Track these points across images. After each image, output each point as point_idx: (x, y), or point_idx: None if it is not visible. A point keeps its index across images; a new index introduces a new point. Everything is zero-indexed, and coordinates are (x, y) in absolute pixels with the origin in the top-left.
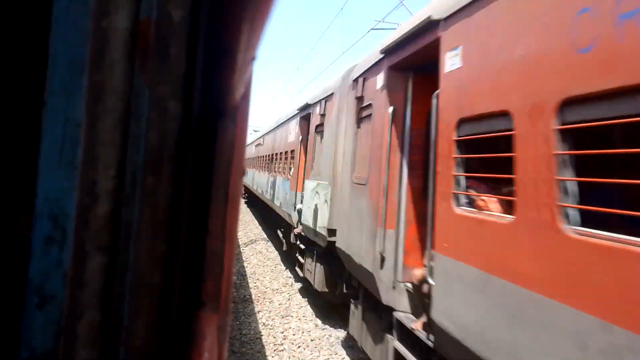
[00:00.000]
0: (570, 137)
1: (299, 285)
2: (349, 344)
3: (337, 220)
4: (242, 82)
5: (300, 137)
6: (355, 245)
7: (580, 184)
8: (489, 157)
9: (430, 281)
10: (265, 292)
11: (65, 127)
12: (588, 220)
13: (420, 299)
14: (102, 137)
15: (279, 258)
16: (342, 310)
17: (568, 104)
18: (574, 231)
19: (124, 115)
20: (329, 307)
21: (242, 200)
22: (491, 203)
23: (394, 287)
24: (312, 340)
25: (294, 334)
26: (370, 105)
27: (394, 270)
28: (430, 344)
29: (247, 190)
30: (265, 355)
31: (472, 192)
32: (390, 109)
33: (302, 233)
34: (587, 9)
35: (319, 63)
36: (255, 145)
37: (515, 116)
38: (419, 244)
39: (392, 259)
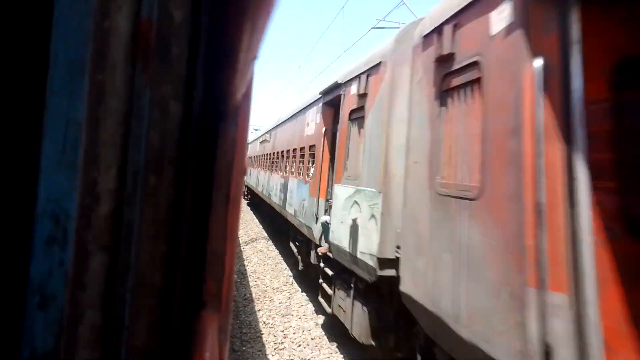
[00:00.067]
0: None
1: (299, 284)
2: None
3: (403, 250)
4: (243, 82)
5: (324, 129)
6: (456, 303)
7: None
8: None
9: None
10: (265, 290)
11: (67, 127)
12: None
13: None
14: (104, 137)
15: (279, 257)
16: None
17: None
18: None
19: (125, 116)
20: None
21: (245, 202)
22: None
23: None
24: (312, 339)
25: (294, 333)
26: (474, 64)
27: None
28: None
29: (250, 192)
30: (266, 354)
31: None
32: (538, 62)
33: (330, 255)
34: None
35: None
36: (260, 142)
37: None
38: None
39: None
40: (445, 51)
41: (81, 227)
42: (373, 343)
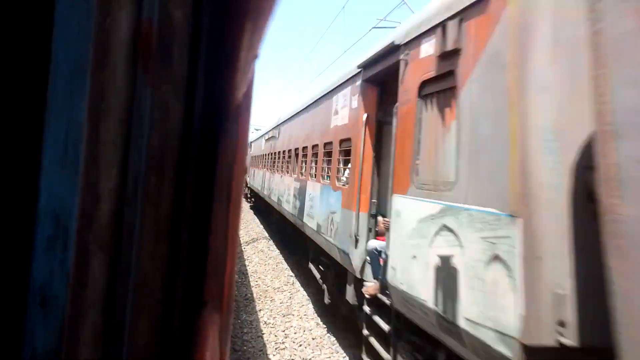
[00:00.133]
0: None
1: (300, 283)
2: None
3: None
4: (244, 82)
5: (364, 116)
6: None
7: None
8: None
9: None
10: (266, 290)
11: (68, 127)
12: None
13: None
14: (105, 137)
15: (280, 257)
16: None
17: None
18: None
19: (126, 116)
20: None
21: (247, 205)
22: None
23: None
24: (313, 338)
25: (295, 333)
26: None
27: None
28: None
29: (254, 195)
30: (267, 354)
31: None
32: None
33: (393, 304)
34: None
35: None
36: (266, 140)
37: None
38: None
39: None
40: None
41: (82, 227)
42: None
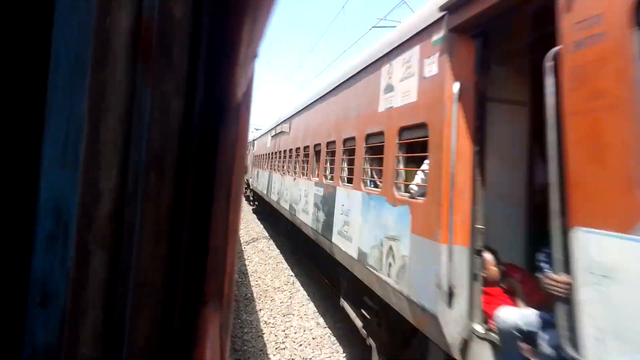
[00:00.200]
0: None
1: (300, 283)
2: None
3: None
4: (244, 80)
5: (457, 87)
6: None
7: None
8: None
9: None
10: (266, 290)
11: (68, 125)
12: None
13: None
14: (105, 135)
15: (280, 256)
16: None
17: None
18: None
19: (126, 114)
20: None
21: (249, 208)
22: None
23: None
24: (313, 338)
25: (295, 332)
26: None
27: None
28: None
29: (259, 198)
30: (267, 354)
31: None
32: None
33: None
34: None
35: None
36: (273, 136)
37: None
38: None
39: None
40: None
41: (82, 226)
42: None
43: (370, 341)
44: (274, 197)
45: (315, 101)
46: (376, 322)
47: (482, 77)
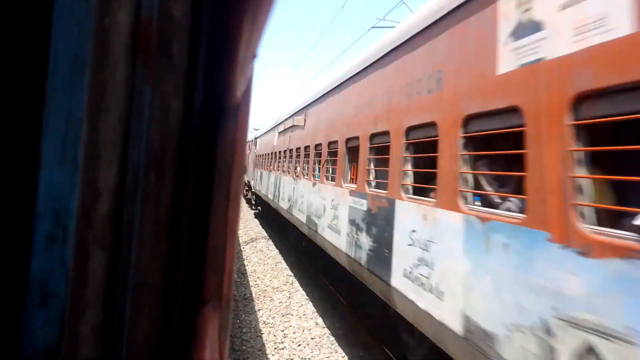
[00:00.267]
0: None
1: (299, 283)
2: (350, 341)
3: None
4: (243, 80)
5: None
6: None
7: None
8: None
9: None
10: (265, 290)
11: (67, 125)
12: None
13: None
14: (104, 135)
15: (279, 256)
16: (342, 307)
17: None
18: None
19: (126, 113)
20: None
21: (252, 212)
22: None
23: None
24: (312, 338)
25: (294, 332)
26: None
27: None
28: None
29: (262, 202)
30: (266, 354)
31: None
32: None
33: None
34: None
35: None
36: (281, 132)
37: None
38: None
39: None
40: None
41: (82, 225)
42: None
43: None
44: (283, 205)
45: (347, 80)
46: None
47: None
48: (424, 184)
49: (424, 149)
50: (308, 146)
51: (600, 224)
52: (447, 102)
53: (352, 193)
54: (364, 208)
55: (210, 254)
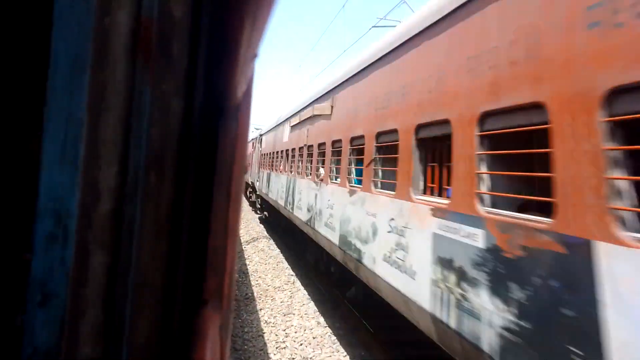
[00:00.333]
0: None
1: (301, 282)
2: (351, 341)
3: None
4: (244, 80)
5: None
6: None
7: None
8: None
9: None
10: (267, 290)
11: (67, 125)
12: None
13: None
14: (105, 135)
15: (280, 256)
16: (344, 307)
17: None
18: None
19: (126, 113)
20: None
21: (257, 216)
22: None
23: None
24: (314, 337)
25: (295, 332)
26: None
27: None
28: None
29: (270, 207)
30: (267, 353)
31: None
32: None
33: None
34: None
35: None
36: (294, 126)
37: None
38: None
39: None
40: None
41: (82, 225)
42: None
43: None
44: (300, 215)
45: (417, 37)
46: None
47: None
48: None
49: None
50: (338, 140)
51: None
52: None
53: (439, 213)
54: (479, 245)
55: (210, 254)
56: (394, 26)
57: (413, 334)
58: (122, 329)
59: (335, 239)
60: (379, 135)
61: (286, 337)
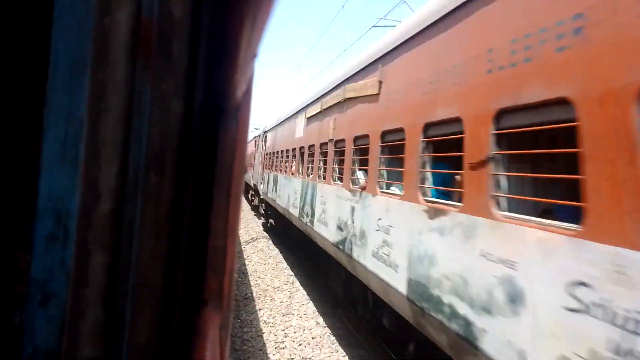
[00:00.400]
0: None
1: (300, 283)
2: (350, 341)
3: None
4: (244, 80)
5: None
6: None
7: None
8: None
9: None
10: (266, 290)
11: (67, 125)
12: None
13: None
14: (105, 134)
15: (280, 256)
16: (343, 307)
17: None
18: None
19: (126, 113)
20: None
21: (259, 219)
22: None
23: None
24: (313, 338)
25: (295, 332)
26: None
27: None
28: None
29: (278, 215)
30: (267, 353)
31: None
32: None
33: None
34: None
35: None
36: (310, 118)
37: None
38: None
39: None
40: None
41: (82, 225)
42: None
43: None
44: (326, 233)
45: None
46: None
47: None
48: None
49: None
50: (395, 131)
51: None
52: None
53: None
54: None
55: (210, 254)
56: (394, 26)
57: (413, 334)
58: (122, 329)
59: (397, 282)
60: (500, 115)
61: (285, 337)
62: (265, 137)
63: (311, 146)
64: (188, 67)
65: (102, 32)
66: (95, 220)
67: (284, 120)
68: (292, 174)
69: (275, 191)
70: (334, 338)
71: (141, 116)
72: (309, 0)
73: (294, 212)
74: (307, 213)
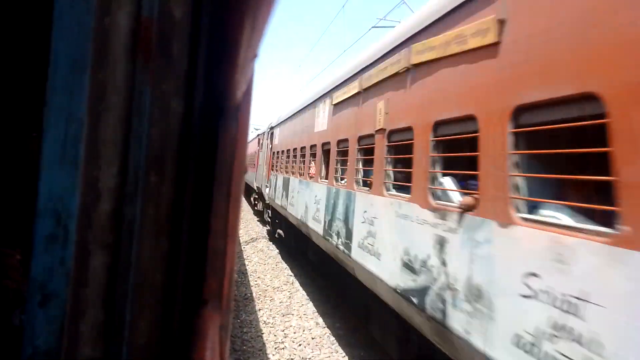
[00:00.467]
0: None
1: (299, 283)
2: (350, 341)
3: None
4: (243, 80)
5: None
6: None
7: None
8: None
9: None
10: (266, 290)
11: (67, 125)
12: None
13: None
14: (105, 134)
15: (279, 256)
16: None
17: None
18: None
19: (126, 113)
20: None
21: (258, 220)
22: None
23: None
24: (312, 338)
25: (294, 332)
26: None
27: None
28: None
29: (295, 232)
30: (266, 354)
31: None
32: None
33: None
34: None
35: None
36: (336, 104)
37: None
38: None
39: None
40: None
41: (82, 225)
42: None
43: None
44: (381, 272)
45: None
46: None
47: None
48: None
49: None
50: (537, 105)
51: None
52: None
53: None
54: None
55: (210, 254)
56: (394, 26)
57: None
58: (122, 329)
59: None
60: None
61: (285, 337)
62: (272, 133)
63: (342, 141)
64: (188, 67)
65: (102, 32)
66: (95, 220)
67: (297, 112)
68: (311, 177)
69: (286, 197)
70: (334, 338)
71: (141, 116)
72: (309, 0)
73: (316, 227)
74: (337, 232)
